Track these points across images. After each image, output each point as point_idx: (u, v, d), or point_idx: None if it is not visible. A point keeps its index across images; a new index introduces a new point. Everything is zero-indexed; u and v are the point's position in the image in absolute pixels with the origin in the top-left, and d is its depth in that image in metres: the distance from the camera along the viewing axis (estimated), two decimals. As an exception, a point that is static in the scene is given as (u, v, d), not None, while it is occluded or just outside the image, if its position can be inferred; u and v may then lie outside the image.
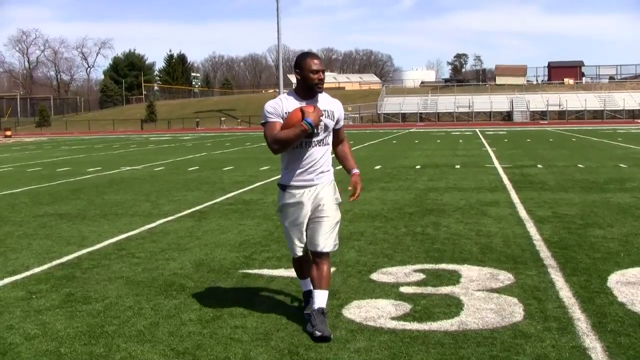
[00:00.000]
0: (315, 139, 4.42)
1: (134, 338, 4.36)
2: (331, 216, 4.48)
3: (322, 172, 4.50)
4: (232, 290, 5.51)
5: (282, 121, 4.35)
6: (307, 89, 4.41)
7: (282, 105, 4.41)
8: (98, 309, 5.03)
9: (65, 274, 6.20)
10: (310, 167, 4.45)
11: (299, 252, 4.57)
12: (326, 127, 4.46)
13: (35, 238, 8.12)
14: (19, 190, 13.68)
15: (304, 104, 4.41)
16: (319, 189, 4.48)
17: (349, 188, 4.63)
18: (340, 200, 4.61)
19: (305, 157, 4.43)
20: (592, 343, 4.14)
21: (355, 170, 4.72)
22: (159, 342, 4.28)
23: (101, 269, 6.36)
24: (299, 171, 4.45)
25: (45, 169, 19.37)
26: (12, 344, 4.32)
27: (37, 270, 6.40)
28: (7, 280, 6.04)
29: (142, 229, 8.56)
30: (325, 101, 4.54)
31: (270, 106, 4.42)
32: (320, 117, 4.34)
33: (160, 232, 8.29)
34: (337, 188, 4.62)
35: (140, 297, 5.35)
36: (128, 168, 18.87)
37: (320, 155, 4.48)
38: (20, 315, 4.94)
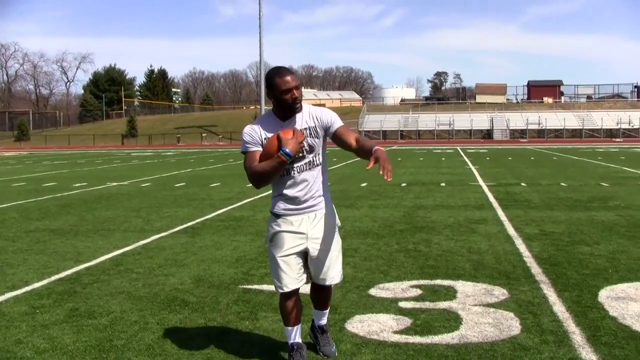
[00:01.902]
0: (302, 163, 3.94)
1: (144, 352, 4.44)
2: (334, 246, 4.11)
3: (319, 196, 4.03)
4: (234, 305, 5.59)
5: (261, 149, 3.91)
6: (284, 111, 3.94)
7: (259, 131, 3.95)
8: (104, 324, 5.10)
9: (66, 289, 6.25)
10: (305, 193, 3.97)
11: (290, 286, 3.99)
12: (312, 148, 3.95)
13: (31, 253, 8.15)
14: (6, 205, 13.65)
15: (283, 126, 3.94)
16: (318, 215, 4.03)
17: (367, 167, 3.61)
18: (340, 224, 4.29)
19: (295, 184, 3.96)
20: (589, 355, 4.29)
21: (376, 147, 3.70)
22: (169, 355, 4.37)
23: (101, 284, 6.42)
24: (291, 199, 3.97)
25: (30, 184, 19.29)
26: (23, 357, 4.38)
27: (37, 285, 6.45)
28: (8, 295, 6.09)
29: (137, 244, 8.62)
30: (306, 117, 3.99)
31: (247, 134, 3.97)
32: (301, 142, 3.83)
33: (155, 248, 8.35)
34: (336, 212, 4.23)
35: (145, 312, 5.43)
36: (115, 184, 18.86)
37: (313, 179, 3.99)
38: (27, 330, 5.00)
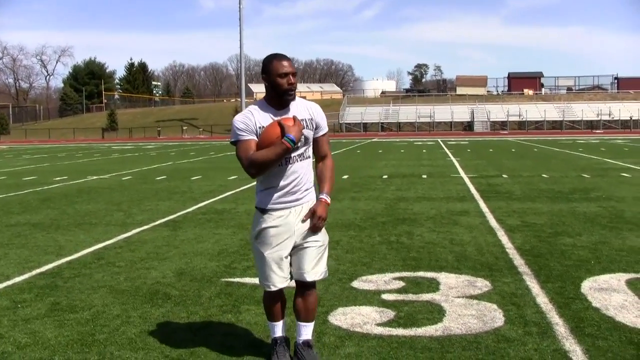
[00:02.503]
0: (294, 154, 3.80)
1: (126, 346, 4.40)
2: (320, 240, 3.92)
3: (306, 189, 3.89)
4: (217, 299, 5.55)
5: (256, 138, 3.74)
6: (278, 97, 3.79)
7: (253, 119, 3.77)
8: (86, 318, 5.05)
9: (48, 283, 6.19)
10: (294, 186, 3.83)
11: (279, 284, 3.86)
12: (306, 140, 3.85)
13: (11, 247, 8.06)
14: (-15, 199, 13.47)
15: (278, 115, 3.80)
16: (305, 208, 3.87)
17: (303, 216, 3.86)
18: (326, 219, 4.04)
19: (286, 176, 3.81)
20: (572, 346, 4.31)
21: (324, 196, 3.90)
22: (152, 349, 4.33)
23: (83, 278, 6.36)
24: (280, 192, 3.81)
25: (10, 178, 19.10)
26: (4, 352, 4.32)
27: (18, 279, 6.38)
28: (-13, 289, 6.00)
29: (119, 238, 8.55)
30: (301, 108, 3.89)
31: (241, 122, 3.77)
32: (301, 131, 3.75)
33: (137, 242, 8.29)
34: None
35: (127, 305, 5.38)
36: (95, 177, 18.69)
37: (303, 171, 3.87)
38: (8, 325, 4.94)
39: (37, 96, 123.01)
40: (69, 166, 24.59)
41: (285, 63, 3.75)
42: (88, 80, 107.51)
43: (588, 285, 5.83)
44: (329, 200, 3.90)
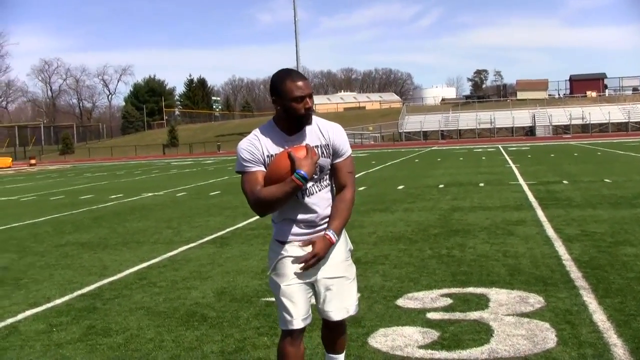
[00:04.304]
0: (311, 184, 3.29)
1: (154, 373, 4.25)
2: (349, 273, 3.42)
3: (328, 217, 3.37)
4: (254, 320, 5.37)
5: (263, 168, 3.23)
6: (292, 122, 3.24)
7: (260, 146, 3.25)
8: (119, 342, 4.94)
9: (86, 305, 6.13)
10: (314, 218, 3.32)
11: (302, 323, 3.26)
12: (322, 169, 3.30)
13: (57, 268, 8.09)
14: (41, 219, 13.71)
15: (289, 142, 3.27)
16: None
17: (300, 244, 3.32)
18: (353, 248, 3.59)
19: (304, 209, 3.31)
20: (631, 370, 3.97)
21: (330, 233, 3.29)
22: (180, 377, 4.17)
23: (122, 300, 6.28)
24: (298, 225, 3.32)
25: (68, 197, 19.45)
26: (31, 381, 4.24)
27: (58, 301, 6.35)
28: (28, 312, 6.00)
29: (164, 256, 8.49)
30: (317, 132, 3.32)
31: (245, 150, 3.27)
32: (316, 163, 3.17)
33: (181, 260, 8.20)
34: (347, 234, 3.53)
35: (162, 328, 5.25)
36: (150, 194, 18.88)
37: (322, 201, 3.34)
38: (41, 350, 4.87)
39: (101, 115, 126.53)
40: (125, 184, 24.98)
41: (300, 84, 3.16)
42: (148, 98, 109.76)
43: (651, 301, 5.43)
44: (334, 239, 3.29)
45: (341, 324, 3.51)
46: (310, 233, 3.32)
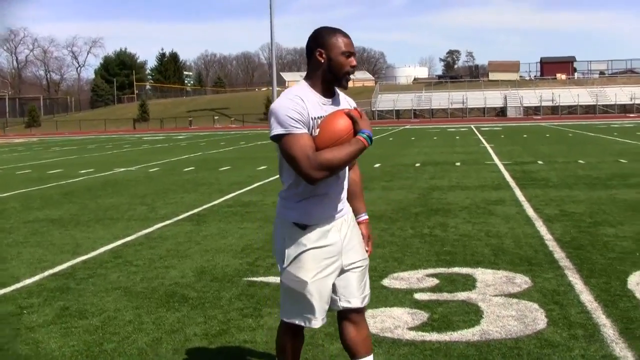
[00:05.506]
0: None
1: (135, 357, 4.07)
2: (365, 258, 3.16)
3: (345, 197, 3.15)
4: (237, 301, 5.20)
5: (308, 132, 2.88)
6: (331, 81, 2.97)
7: (305, 107, 2.87)
8: (95, 325, 4.73)
9: (59, 286, 5.87)
10: (340, 193, 3.06)
11: (321, 323, 3.02)
12: None
13: (26, 246, 7.77)
14: (7, 194, 13.30)
15: (327, 105, 2.99)
16: (347, 219, 3.11)
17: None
18: None
19: (336, 181, 3.01)
20: (623, 352, 3.93)
21: (364, 216, 3.26)
22: (163, 360, 4.00)
23: (97, 279, 6.04)
24: (327, 202, 2.99)
25: (35, 172, 18.95)
26: (3, 366, 4.03)
27: (28, 281, 6.06)
28: (-4, 293, 5.71)
29: (139, 234, 8.25)
30: (344, 99, 3.12)
31: (293, 109, 2.84)
32: None
33: (158, 238, 7.98)
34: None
35: (141, 309, 5.05)
36: (122, 169, 18.52)
37: (345, 174, 3.11)
38: (10, 334, 4.61)
39: (69, 88, 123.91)
40: (97, 158, 24.49)
41: (349, 41, 2.96)
42: (119, 71, 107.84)
43: (635, 281, 5.42)
44: (368, 218, 3.30)
45: (363, 317, 3.17)
46: (333, 214, 3.02)
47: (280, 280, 3.07)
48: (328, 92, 3.00)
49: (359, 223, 3.22)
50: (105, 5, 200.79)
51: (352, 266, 3.06)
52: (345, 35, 2.97)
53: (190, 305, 5.13)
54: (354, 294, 3.06)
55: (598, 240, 6.96)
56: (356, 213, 3.23)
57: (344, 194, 3.11)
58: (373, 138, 2.90)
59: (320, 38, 2.95)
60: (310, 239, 2.96)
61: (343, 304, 3.06)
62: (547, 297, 5.02)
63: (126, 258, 6.89)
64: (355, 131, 2.87)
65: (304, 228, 2.96)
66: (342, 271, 3.04)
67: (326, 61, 2.93)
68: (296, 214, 2.98)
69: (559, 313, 4.64)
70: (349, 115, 2.88)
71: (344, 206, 3.10)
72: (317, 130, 2.87)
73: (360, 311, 3.12)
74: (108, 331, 4.58)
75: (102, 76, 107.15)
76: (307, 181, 2.84)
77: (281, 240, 3.03)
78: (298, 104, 2.86)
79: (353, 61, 2.96)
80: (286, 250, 2.99)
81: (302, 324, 3.02)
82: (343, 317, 3.11)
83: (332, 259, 2.99)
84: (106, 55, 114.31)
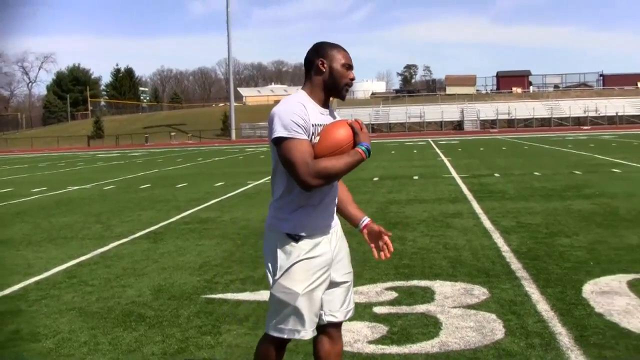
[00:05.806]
0: None
1: (90, 378, 3.98)
2: (351, 271, 3.23)
3: (336, 209, 3.19)
4: (196, 318, 5.14)
5: (307, 138, 2.90)
6: (331, 90, 3.03)
7: (307, 113, 2.91)
8: (49, 347, 4.61)
9: (9, 309, 5.68)
10: (332, 204, 3.09)
11: (310, 335, 3.00)
12: None
13: (-25, 268, 7.54)
14: (-40, 214, 12.95)
15: (324, 115, 3.03)
16: (338, 232, 3.15)
17: (371, 245, 3.25)
18: None
19: (331, 192, 3.06)
20: (578, 359, 4.01)
21: (367, 219, 3.26)
22: (118, 381, 3.92)
23: (50, 300, 5.90)
24: (318, 212, 3.00)
25: (-12, 191, 18.53)
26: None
27: (-24, 306, 5.88)
28: (-58, 319, 5.49)
29: (94, 253, 8.09)
30: (335, 114, 3.17)
31: (297, 115, 2.87)
32: None
33: (114, 256, 7.84)
34: None
35: (96, 330, 4.95)
36: (76, 187, 18.18)
37: (337, 185, 3.16)
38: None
39: (19, 104, 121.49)
40: (49, 176, 24.01)
41: (349, 55, 3.07)
42: (72, 87, 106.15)
43: (589, 289, 5.52)
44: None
45: (340, 332, 3.20)
46: (326, 224, 3.05)
47: (270, 293, 3.01)
48: (325, 104, 3.06)
49: (365, 226, 3.23)
50: (58, 20, 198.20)
51: (339, 280, 3.10)
52: (345, 50, 3.07)
53: (148, 324, 5.05)
54: (339, 309, 3.09)
55: (554, 251, 7.07)
56: (357, 219, 3.25)
57: (335, 207, 3.14)
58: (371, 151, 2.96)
59: (322, 50, 3.04)
60: (302, 249, 2.96)
61: (328, 318, 3.07)
62: (505, 308, 5.07)
63: (81, 278, 6.75)
64: (355, 143, 2.92)
65: (297, 239, 2.96)
66: (330, 284, 3.06)
67: (328, 71, 3.01)
68: (289, 225, 2.97)
69: (516, 323, 4.70)
70: (350, 125, 2.94)
71: (335, 217, 3.14)
72: (317, 138, 2.91)
73: (339, 325, 3.14)
74: (62, 353, 4.47)
75: (55, 92, 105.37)
76: (302, 188, 2.86)
77: (272, 252, 3.01)
78: (301, 110, 2.89)
79: (352, 74, 3.05)
80: (278, 262, 2.98)
81: (291, 336, 3.00)
82: (321, 330, 3.10)
83: (322, 270, 2.99)
84: (59, 71, 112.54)
